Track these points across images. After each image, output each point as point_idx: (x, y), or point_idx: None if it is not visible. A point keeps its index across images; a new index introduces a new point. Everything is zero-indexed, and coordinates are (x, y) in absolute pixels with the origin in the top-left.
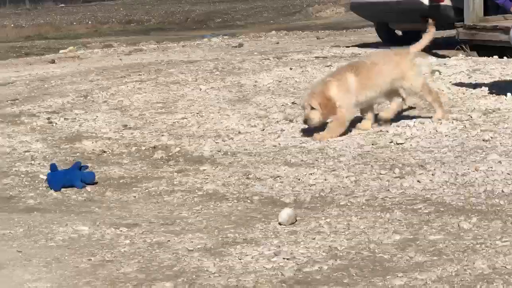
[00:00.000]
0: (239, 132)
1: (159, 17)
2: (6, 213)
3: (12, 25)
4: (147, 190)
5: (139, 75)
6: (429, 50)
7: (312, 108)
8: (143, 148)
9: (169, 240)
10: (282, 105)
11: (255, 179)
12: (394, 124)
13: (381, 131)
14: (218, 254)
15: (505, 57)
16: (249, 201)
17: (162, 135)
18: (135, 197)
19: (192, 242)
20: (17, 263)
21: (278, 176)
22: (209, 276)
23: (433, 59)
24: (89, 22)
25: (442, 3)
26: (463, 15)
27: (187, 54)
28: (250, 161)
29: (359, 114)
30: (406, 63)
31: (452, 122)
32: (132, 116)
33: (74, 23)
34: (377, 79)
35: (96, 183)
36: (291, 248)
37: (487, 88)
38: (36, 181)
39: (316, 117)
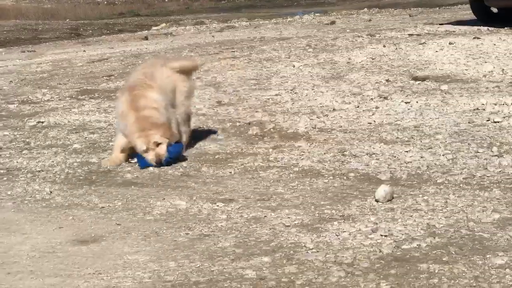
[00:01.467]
0: (334, 109)
1: None
2: (104, 186)
3: (105, 2)
4: (242, 166)
5: (232, 51)
6: None
7: None
8: (238, 124)
9: (265, 216)
10: (376, 83)
11: (350, 155)
12: (491, 102)
13: (477, 109)
14: (315, 230)
15: None
16: (345, 177)
17: (256, 112)
18: (230, 172)
19: (289, 218)
20: (116, 236)
21: (374, 153)
22: (307, 252)
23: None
24: None
25: None
26: None
27: (279, 31)
28: (345, 138)
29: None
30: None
31: None
32: (226, 92)
33: (166, 0)
34: None
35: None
36: (389, 225)
37: None
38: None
39: None
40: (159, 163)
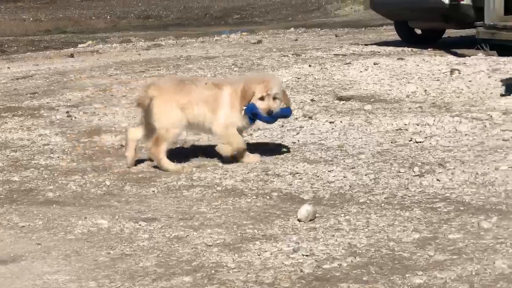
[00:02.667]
0: (258, 129)
1: (177, 12)
2: (25, 205)
3: (31, 19)
4: (166, 185)
5: (158, 70)
6: (448, 49)
7: None
8: None
9: (188, 235)
10: (301, 102)
11: (274, 175)
12: (413, 122)
13: (400, 129)
14: (237, 250)
15: None
16: (268, 197)
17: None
18: (154, 191)
19: (211, 237)
20: (36, 256)
21: (297, 173)
22: (228, 271)
23: (452, 58)
24: (108, 16)
25: (462, 2)
26: (483, 14)
27: (206, 50)
28: (269, 158)
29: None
30: None
31: (472, 121)
32: None
33: (93, 18)
34: None
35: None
36: (310, 244)
37: (507, 88)
38: (55, 174)
39: None
40: (268, 115)
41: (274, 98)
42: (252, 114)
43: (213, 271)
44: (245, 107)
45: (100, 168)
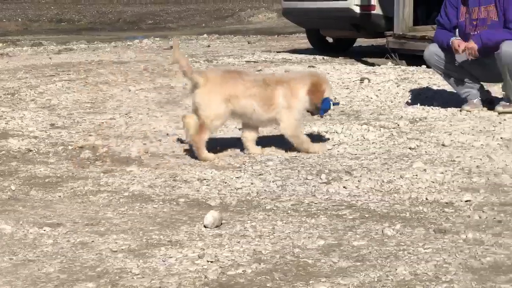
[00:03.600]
0: (167, 134)
1: (90, 17)
2: None
3: None
4: (72, 190)
5: (69, 74)
6: (359, 57)
7: None
8: (70, 147)
9: (93, 241)
10: None
11: (181, 181)
12: (322, 130)
13: (309, 137)
14: (142, 256)
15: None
16: (175, 203)
17: (90, 135)
18: (60, 196)
19: (116, 243)
20: None
21: (205, 179)
22: (132, 278)
23: (362, 66)
24: (19, 19)
25: (372, 12)
26: (393, 24)
27: (118, 55)
28: (177, 163)
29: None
30: None
31: (380, 130)
32: (60, 115)
33: (4, 20)
34: None
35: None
36: (215, 251)
37: (414, 97)
38: None
39: None
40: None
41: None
42: (323, 110)
43: (117, 277)
44: (321, 105)
45: (6, 172)
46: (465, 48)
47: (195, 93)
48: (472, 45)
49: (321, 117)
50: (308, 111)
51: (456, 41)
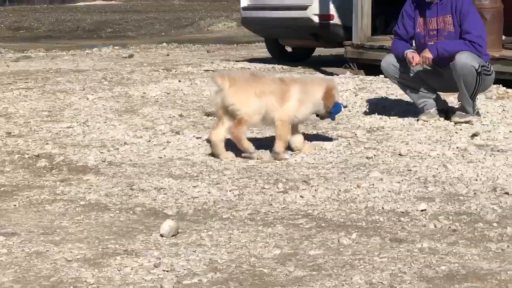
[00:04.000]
0: (125, 143)
1: (49, 24)
2: None
3: None
4: (28, 199)
5: (26, 82)
6: (317, 67)
7: None
8: (27, 156)
9: (48, 250)
10: (169, 117)
11: (138, 190)
12: None
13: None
14: (97, 265)
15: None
16: (131, 212)
17: (47, 144)
18: (15, 205)
19: (72, 252)
20: None
21: (162, 188)
22: (87, 287)
23: (321, 76)
24: None
25: (331, 21)
26: (352, 34)
27: (76, 63)
28: (135, 172)
29: None
30: None
31: (338, 139)
32: (16, 123)
33: None
34: None
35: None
36: (171, 260)
37: (372, 107)
38: None
39: None
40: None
41: None
42: (335, 114)
43: (71, 287)
44: (332, 109)
45: None
46: (419, 61)
47: (225, 95)
48: (428, 54)
49: (333, 120)
50: (317, 115)
51: (410, 54)
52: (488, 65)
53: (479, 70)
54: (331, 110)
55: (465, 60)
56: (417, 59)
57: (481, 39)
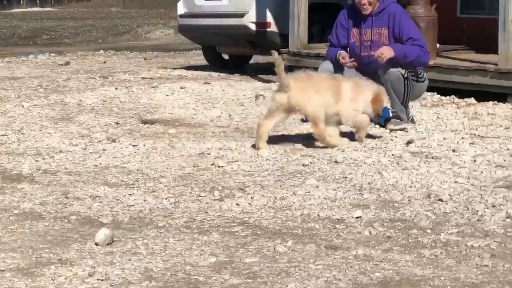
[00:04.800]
0: (60, 151)
1: None
2: None
3: None
4: None
5: None
6: (254, 74)
7: None
8: None
9: None
10: (105, 125)
11: (73, 198)
12: (216, 146)
13: (203, 153)
14: (31, 275)
15: None
16: (66, 220)
17: None
18: None
19: (5, 261)
20: None
21: (97, 196)
22: None
23: (258, 83)
24: None
25: (268, 29)
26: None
27: (12, 71)
28: (70, 180)
29: None
30: None
31: (274, 147)
32: None
33: None
34: None
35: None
36: (106, 269)
37: None
38: None
39: None
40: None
41: None
42: (383, 118)
43: None
44: (382, 112)
45: None
46: (353, 64)
47: (290, 96)
48: (390, 52)
49: (381, 124)
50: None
51: (343, 53)
52: (421, 72)
53: (406, 75)
54: (381, 113)
55: (392, 65)
56: (348, 60)
57: (426, 46)
